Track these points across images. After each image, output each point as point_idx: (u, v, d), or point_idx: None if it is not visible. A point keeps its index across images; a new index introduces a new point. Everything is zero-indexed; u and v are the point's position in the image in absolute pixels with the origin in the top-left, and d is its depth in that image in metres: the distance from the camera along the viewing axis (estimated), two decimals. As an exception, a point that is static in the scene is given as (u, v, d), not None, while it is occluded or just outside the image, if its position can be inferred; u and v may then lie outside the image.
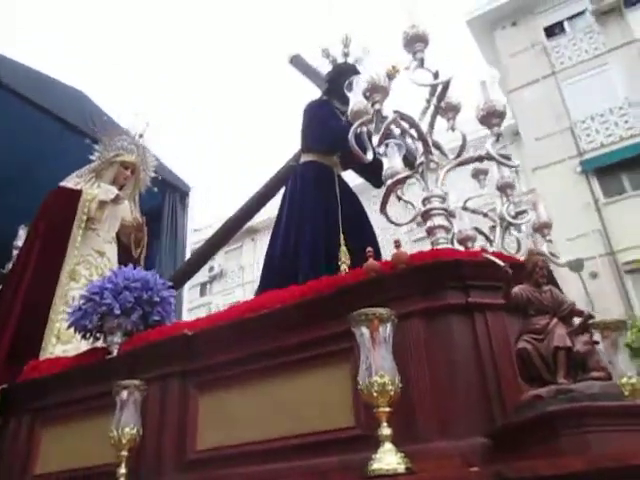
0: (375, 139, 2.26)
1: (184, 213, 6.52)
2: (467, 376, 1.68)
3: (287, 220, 3.34)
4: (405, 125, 2.34)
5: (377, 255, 3.39)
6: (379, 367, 1.54)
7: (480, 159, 2.36)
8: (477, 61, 17.13)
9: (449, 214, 3.04)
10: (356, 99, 2.55)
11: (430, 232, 2.16)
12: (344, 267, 3.06)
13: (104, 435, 2.42)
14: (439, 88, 2.37)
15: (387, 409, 1.52)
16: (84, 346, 3.24)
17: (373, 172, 3.57)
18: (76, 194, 3.61)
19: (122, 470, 2.00)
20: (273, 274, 3.21)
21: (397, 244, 1.91)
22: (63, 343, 3.22)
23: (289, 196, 3.43)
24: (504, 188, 3.18)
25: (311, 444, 1.84)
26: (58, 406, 2.66)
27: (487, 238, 3.12)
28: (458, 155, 2.45)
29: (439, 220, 2.16)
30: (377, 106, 2.21)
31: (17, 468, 2.63)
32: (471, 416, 1.62)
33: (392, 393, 1.52)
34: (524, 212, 3.17)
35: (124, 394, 2.10)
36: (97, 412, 2.51)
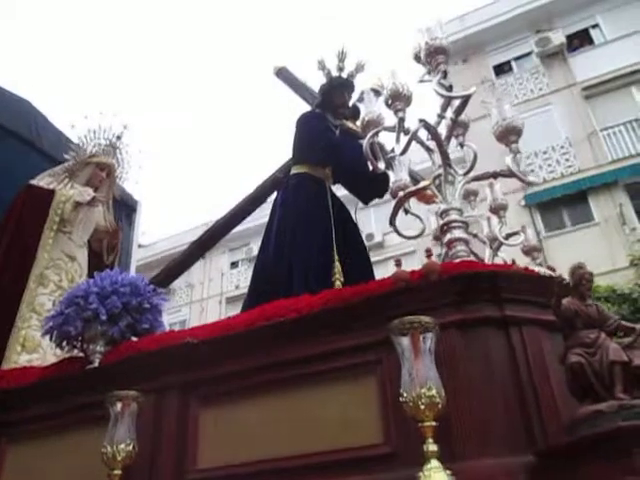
0: (397, 147, 2.22)
1: (130, 228, 6.27)
2: (505, 391, 1.63)
3: (278, 232, 3.23)
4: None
5: (370, 267, 3.35)
6: (426, 379, 1.47)
7: (496, 175, 2.37)
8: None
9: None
10: (368, 109, 2.52)
11: (449, 245, 2.13)
12: (338, 283, 2.99)
13: (85, 452, 2.23)
14: (456, 102, 2.39)
15: (433, 423, 1.44)
16: (50, 356, 3.00)
17: (365, 187, 3.55)
18: (49, 194, 3.36)
19: (115, 491, 1.81)
20: (264, 287, 3.09)
21: (429, 253, 1.86)
22: (28, 352, 2.95)
23: (280, 207, 3.33)
24: (497, 210, 3.23)
25: (333, 462, 1.72)
26: (29, 420, 2.42)
27: (477, 258, 3.14)
28: (469, 171, 2.46)
29: (458, 233, 2.12)
30: (400, 114, 2.19)
31: (-24, 489, 2.36)
32: (512, 433, 1.56)
33: (440, 406, 1.44)
34: (516, 234, 3.22)
35: (119, 406, 1.92)
36: (76, 427, 2.31)
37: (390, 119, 2.53)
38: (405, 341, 1.53)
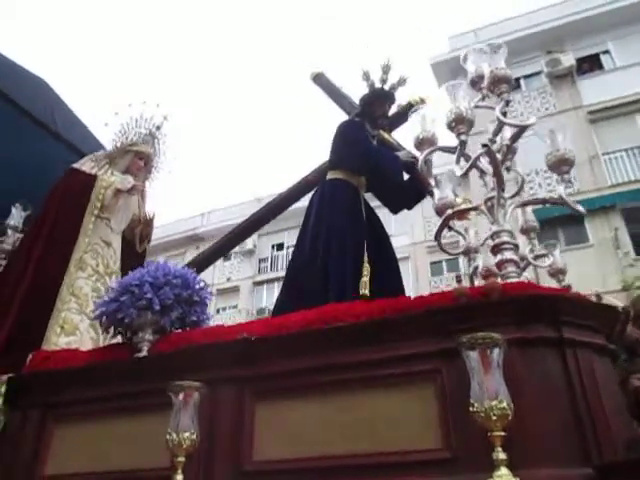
0: (457, 169, 2.33)
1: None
2: (561, 407, 1.73)
3: (312, 235, 3.33)
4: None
5: (399, 276, 3.46)
6: (496, 392, 1.57)
7: (546, 202, 2.48)
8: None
9: (474, 250, 3.17)
10: (423, 127, 2.62)
11: (500, 266, 2.23)
12: (364, 279, 3.09)
13: (131, 438, 2.31)
14: (503, 129, 2.51)
15: (502, 433, 1.54)
16: (87, 339, 3.08)
17: (399, 198, 3.67)
18: (91, 179, 3.43)
19: (179, 477, 1.88)
20: (298, 288, 3.19)
21: (488, 272, 1.96)
22: (67, 334, 3.01)
23: (315, 211, 3.43)
24: (528, 231, 3.35)
25: (392, 464, 1.81)
26: (76, 402, 2.48)
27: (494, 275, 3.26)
28: (516, 194, 2.57)
29: (509, 254, 2.23)
30: (463, 137, 2.29)
31: (22, 466, 2.41)
32: (568, 447, 1.67)
33: (510, 418, 1.55)
34: (544, 256, 3.35)
35: (181, 396, 2.00)
36: (125, 413, 2.38)
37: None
38: (475, 355, 1.63)
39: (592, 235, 14.02)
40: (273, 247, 21.05)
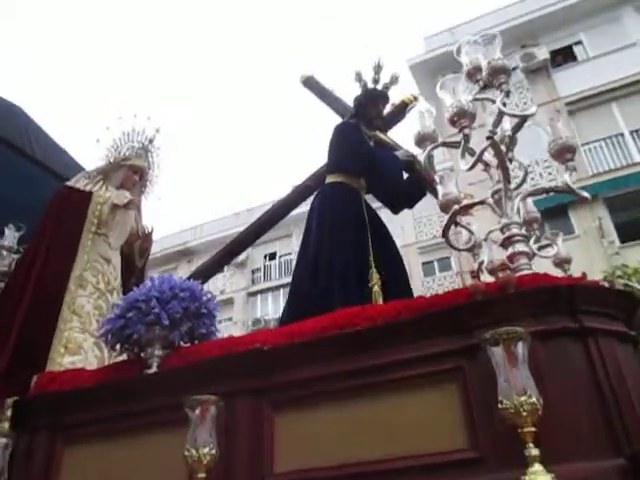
0: (462, 163, 2.32)
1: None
2: (588, 397, 1.72)
3: (317, 238, 3.31)
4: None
5: (405, 275, 3.45)
6: (525, 387, 1.55)
7: (550, 190, 2.48)
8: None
9: (478, 245, 3.16)
10: (423, 124, 2.61)
11: (512, 258, 2.22)
12: (376, 288, 3.08)
13: (149, 456, 2.27)
14: (505, 119, 2.51)
15: (532, 429, 1.52)
16: (91, 358, 3.02)
17: (399, 199, 3.66)
18: (86, 196, 3.37)
19: (201, 492, 1.85)
20: (303, 295, 3.17)
21: (504, 267, 1.95)
22: (71, 354, 2.95)
23: (318, 214, 3.41)
24: (530, 222, 3.34)
25: (418, 467, 1.77)
26: (85, 423, 2.42)
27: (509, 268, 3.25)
28: (519, 185, 2.57)
29: (521, 246, 2.22)
30: (466, 131, 2.28)
31: (34, 491, 2.35)
32: (597, 437, 1.65)
33: (539, 413, 1.53)
34: (548, 246, 3.35)
35: (198, 410, 1.95)
36: (137, 431, 2.32)
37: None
38: (499, 351, 1.61)
39: (577, 226, 14.17)
40: (265, 257, 20.99)
